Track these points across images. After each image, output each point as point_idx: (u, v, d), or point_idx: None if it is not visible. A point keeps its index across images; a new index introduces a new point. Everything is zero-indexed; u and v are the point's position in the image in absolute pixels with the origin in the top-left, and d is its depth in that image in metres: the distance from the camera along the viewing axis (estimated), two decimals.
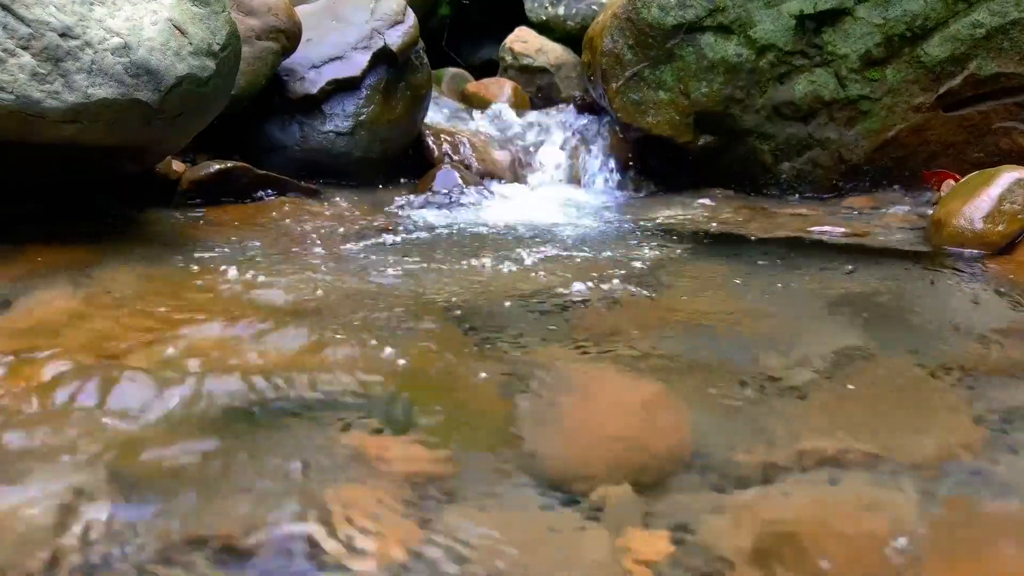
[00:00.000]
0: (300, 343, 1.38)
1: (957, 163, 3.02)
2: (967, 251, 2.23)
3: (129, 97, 1.83)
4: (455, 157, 3.47)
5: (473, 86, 4.49)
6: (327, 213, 2.61)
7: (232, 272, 1.81)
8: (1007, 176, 2.34)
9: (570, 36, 4.52)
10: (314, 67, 3.17)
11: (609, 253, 2.16)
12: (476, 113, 4.02)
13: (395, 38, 3.28)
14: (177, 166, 2.66)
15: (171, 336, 1.39)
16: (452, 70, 4.83)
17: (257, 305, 1.59)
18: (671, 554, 0.84)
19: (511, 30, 4.71)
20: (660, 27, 3.20)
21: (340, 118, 3.14)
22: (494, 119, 3.93)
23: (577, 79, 4.42)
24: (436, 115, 3.88)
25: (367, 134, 3.17)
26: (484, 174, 3.43)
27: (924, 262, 2.15)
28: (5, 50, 1.68)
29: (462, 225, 2.52)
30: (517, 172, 3.55)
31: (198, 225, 2.30)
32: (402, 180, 3.30)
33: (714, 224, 2.64)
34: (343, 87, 3.17)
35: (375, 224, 2.47)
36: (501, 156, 3.58)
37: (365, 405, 1.16)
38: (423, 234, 2.35)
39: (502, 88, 4.36)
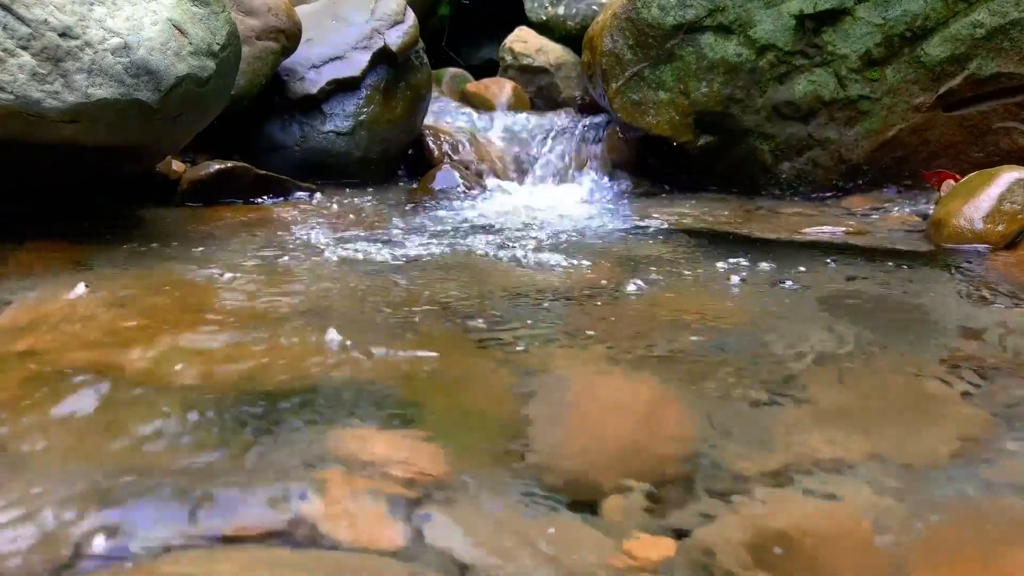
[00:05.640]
0: (299, 342, 1.38)
1: (957, 163, 3.02)
2: (967, 251, 2.23)
3: (129, 97, 1.83)
4: (455, 157, 3.47)
5: (473, 86, 4.49)
6: (327, 213, 2.61)
7: (232, 271, 1.81)
8: (1007, 176, 2.34)
9: (570, 36, 4.53)
10: (314, 67, 3.17)
11: (608, 252, 2.16)
12: (476, 113, 4.03)
13: (395, 38, 3.29)
14: (177, 166, 2.66)
15: (170, 335, 1.39)
16: (452, 70, 4.83)
17: (256, 304, 1.59)
18: (673, 557, 0.84)
19: (511, 30, 4.72)
20: (660, 27, 3.20)
21: (340, 118, 3.14)
22: (494, 119, 3.94)
23: (577, 79, 4.42)
24: (436, 115, 3.88)
25: (367, 134, 3.17)
26: (484, 174, 3.43)
27: (924, 262, 2.15)
28: (5, 50, 1.68)
29: (462, 224, 2.52)
30: (517, 172, 3.55)
31: (198, 225, 2.30)
32: (402, 180, 3.31)
33: (714, 224, 2.64)
34: (343, 87, 3.17)
35: (375, 224, 2.47)
36: (501, 156, 3.58)
37: (364, 404, 1.16)
38: (423, 233, 2.35)
39: (502, 88, 4.36)
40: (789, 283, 1.88)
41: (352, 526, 0.87)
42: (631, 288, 1.81)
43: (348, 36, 3.27)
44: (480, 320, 1.55)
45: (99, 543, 0.82)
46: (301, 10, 3.28)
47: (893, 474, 1.00)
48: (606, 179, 3.53)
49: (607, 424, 1.16)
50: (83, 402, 1.13)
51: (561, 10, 4.65)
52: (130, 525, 0.85)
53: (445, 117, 3.93)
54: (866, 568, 0.84)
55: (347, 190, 3.02)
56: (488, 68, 4.97)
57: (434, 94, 3.85)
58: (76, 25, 1.77)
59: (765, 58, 3.12)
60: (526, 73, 4.52)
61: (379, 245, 2.17)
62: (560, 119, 3.86)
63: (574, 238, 2.36)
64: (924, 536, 0.89)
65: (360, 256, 2.03)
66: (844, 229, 2.55)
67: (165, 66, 1.87)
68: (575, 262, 2.05)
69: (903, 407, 1.23)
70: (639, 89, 3.30)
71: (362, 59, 3.20)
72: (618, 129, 3.56)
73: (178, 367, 1.26)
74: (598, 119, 3.77)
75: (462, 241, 2.26)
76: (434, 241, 2.25)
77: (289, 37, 3.04)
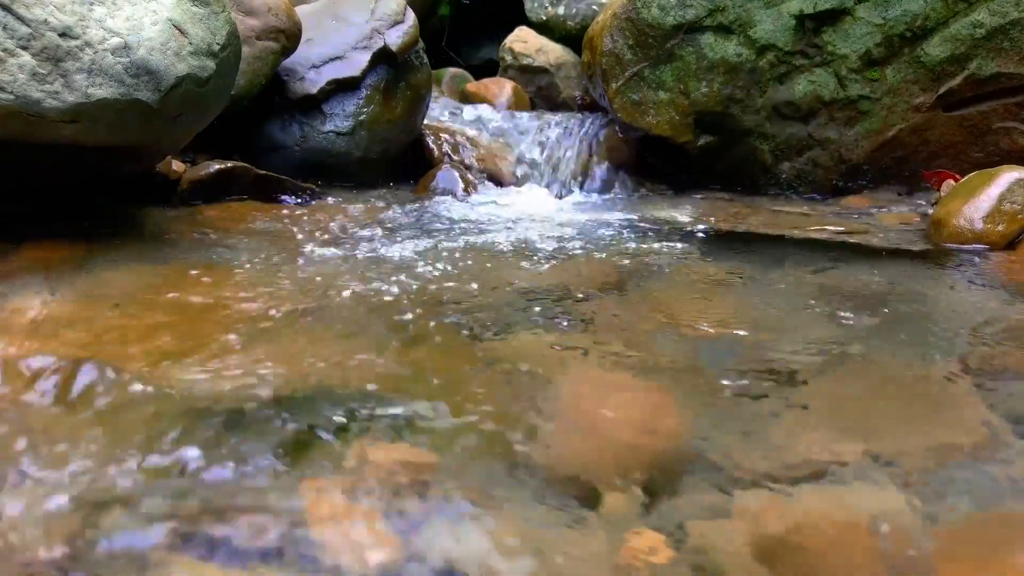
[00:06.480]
0: (299, 342, 1.38)
1: (957, 163, 3.02)
2: (967, 251, 2.23)
3: (129, 97, 1.83)
4: (455, 157, 3.47)
5: (473, 86, 4.50)
6: (327, 213, 2.60)
7: (231, 272, 1.81)
8: (1007, 176, 2.34)
9: (570, 36, 4.53)
10: (314, 67, 3.17)
11: (608, 252, 2.16)
12: (472, 110, 4.02)
13: (395, 38, 3.28)
14: (177, 166, 2.66)
15: (169, 336, 1.39)
16: (452, 70, 4.84)
17: (255, 305, 1.59)
18: (670, 557, 0.84)
19: (511, 30, 4.72)
20: (660, 27, 3.20)
21: (340, 118, 3.14)
22: (493, 120, 3.93)
23: (577, 79, 4.42)
24: (436, 115, 3.88)
25: (367, 134, 3.17)
26: (484, 174, 3.43)
27: (924, 262, 2.15)
28: (5, 50, 1.68)
29: (461, 225, 2.52)
30: (517, 172, 3.55)
31: (198, 225, 2.29)
32: (402, 180, 3.30)
33: (714, 224, 2.64)
34: (343, 87, 3.17)
35: (374, 224, 2.47)
36: (501, 156, 3.58)
37: (362, 404, 1.16)
38: (422, 234, 2.35)
39: (502, 88, 4.36)
40: (788, 283, 1.88)
41: (343, 528, 0.87)
42: (629, 287, 1.81)
43: (348, 36, 3.27)
44: (478, 320, 1.55)
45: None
46: (301, 10, 3.28)
47: (894, 476, 1.00)
48: (605, 179, 3.52)
49: (605, 422, 1.16)
50: (79, 405, 1.13)
51: (561, 10, 4.65)
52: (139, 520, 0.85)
53: (444, 117, 3.92)
54: (866, 569, 0.84)
55: (347, 190, 3.02)
56: (488, 68, 4.97)
57: (434, 94, 3.85)
58: (76, 25, 1.76)
59: (765, 58, 3.12)
60: (526, 73, 4.52)
61: (378, 245, 2.17)
62: (560, 119, 3.86)
63: (573, 238, 2.35)
64: (926, 539, 0.89)
65: (359, 256, 2.03)
66: (844, 229, 2.55)
67: (165, 66, 1.87)
68: (574, 262, 2.05)
69: (903, 407, 1.23)
70: (639, 89, 3.30)
71: (362, 59, 3.20)
72: (618, 129, 3.56)
73: (176, 366, 1.26)
74: (598, 119, 3.77)
75: (460, 241, 2.26)
76: (432, 241, 2.25)
77: (289, 37, 3.03)
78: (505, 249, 2.16)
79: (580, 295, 1.75)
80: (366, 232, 2.34)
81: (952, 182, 2.75)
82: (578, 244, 2.27)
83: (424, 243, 2.22)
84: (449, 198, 3.05)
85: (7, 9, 1.69)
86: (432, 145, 3.50)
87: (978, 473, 1.02)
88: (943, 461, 1.05)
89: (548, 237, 2.35)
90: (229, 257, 1.95)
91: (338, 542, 0.84)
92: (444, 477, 0.97)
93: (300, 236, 2.24)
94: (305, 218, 2.50)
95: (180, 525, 0.85)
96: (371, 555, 0.82)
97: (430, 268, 1.93)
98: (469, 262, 2.01)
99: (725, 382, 1.28)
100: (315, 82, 3.13)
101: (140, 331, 1.41)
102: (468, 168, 3.42)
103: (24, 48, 1.70)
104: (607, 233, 2.46)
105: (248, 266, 1.87)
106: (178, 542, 0.83)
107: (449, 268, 1.94)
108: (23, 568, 0.78)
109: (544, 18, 4.69)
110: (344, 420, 1.11)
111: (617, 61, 3.32)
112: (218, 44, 2.03)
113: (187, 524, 0.85)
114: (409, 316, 1.56)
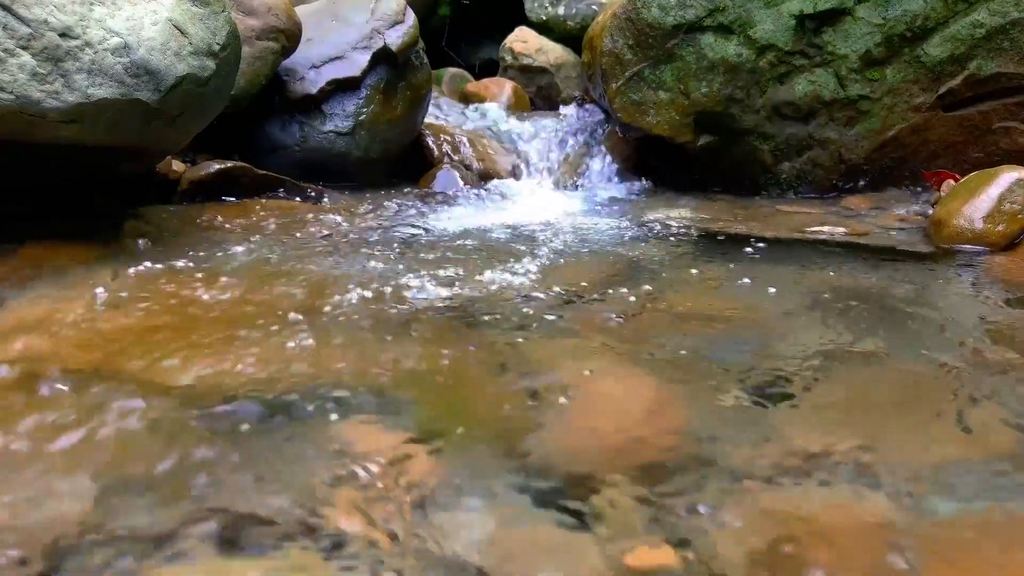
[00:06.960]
0: (299, 342, 1.38)
1: (957, 163, 3.02)
2: (967, 251, 2.23)
3: (129, 97, 1.83)
4: (455, 157, 3.47)
5: (473, 86, 4.50)
6: (327, 213, 2.60)
7: (231, 272, 1.81)
8: (1007, 176, 2.34)
9: (570, 36, 4.53)
10: (314, 67, 3.17)
11: (608, 252, 2.16)
12: (473, 112, 4.02)
13: (395, 38, 3.28)
14: (177, 166, 2.66)
15: (168, 337, 1.39)
16: (452, 70, 4.84)
17: (255, 305, 1.59)
18: (670, 556, 0.84)
19: (511, 30, 4.73)
20: (660, 27, 3.20)
21: (340, 118, 3.14)
22: (493, 120, 3.93)
23: (577, 79, 4.43)
24: (436, 115, 3.88)
25: (367, 134, 3.17)
26: (484, 174, 3.43)
27: (924, 262, 2.15)
28: (5, 50, 1.68)
29: (461, 224, 2.52)
30: (517, 172, 3.55)
31: (197, 225, 2.30)
32: (402, 180, 3.30)
33: (714, 224, 2.64)
34: (343, 87, 3.17)
35: (374, 224, 2.47)
36: (501, 156, 3.58)
37: (363, 404, 1.16)
38: (423, 234, 2.35)
39: (502, 88, 4.37)
40: (787, 283, 1.88)
41: (342, 527, 0.87)
42: (629, 287, 1.81)
43: (348, 36, 3.27)
44: (477, 318, 1.55)
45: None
46: (301, 10, 3.28)
47: (893, 475, 1.00)
48: (606, 179, 3.52)
49: (605, 420, 1.16)
50: (77, 407, 1.13)
51: (561, 10, 4.65)
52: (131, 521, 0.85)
53: (444, 117, 3.92)
54: (867, 568, 0.84)
55: (347, 190, 3.02)
56: (488, 68, 4.98)
57: (434, 94, 3.85)
58: (76, 25, 1.76)
59: (765, 58, 3.12)
60: (526, 73, 4.52)
61: (378, 245, 2.17)
62: (560, 119, 3.86)
63: (574, 238, 2.36)
64: (927, 537, 0.89)
65: (357, 255, 2.03)
66: (844, 229, 2.55)
67: (165, 66, 1.87)
68: (575, 262, 2.05)
69: (902, 407, 1.23)
70: (639, 89, 3.30)
71: (362, 59, 3.20)
72: (618, 129, 3.56)
73: (176, 368, 1.26)
74: (598, 119, 3.77)
75: (460, 241, 2.26)
76: (432, 241, 2.25)
77: (289, 37, 3.04)
78: (504, 248, 2.16)
79: (580, 294, 1.75)
80: (365, 232, 2.34)
81: (952, 182, 2.75)
82: (578, 244, 2.27)
83: (423, 242, 2.22)
84: (449, 197, 3.05)
85: (7, 9, 1.69)
86: (432, 145, 3.50)
87: (977, 474, 1.02)
88: (943, 460, 1.05)
89: (548, 237, 2.35)
90: (229, 258, 1.95)
91: (340, 530, 0.84)
92: (443, 472, 0.97)
93: (299, 237, 2.24)
94: (305, 219, 2.50)
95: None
96: (364, 551, 0.83)
97: (430, 266, 1.93)
98: (469, 261, 2.01)
99: (724, 379, 1.28)
100: (315, 82, 3.13)
101: (140, 331, 1.41)
102: (468, 167, 3.42)
103: (24, 48, 1.70)
104: (607, 233, 2.46)
105: (247, 266, 1.87)
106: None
107: (449, 267, 1.94)
108: None
109: (544, 18, 4.70)
110: (344, 417, 1.11)
111: (617, 61, 3.32)
112: (218, 44, 2.03)
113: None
114: (409, 313, 1.56)
